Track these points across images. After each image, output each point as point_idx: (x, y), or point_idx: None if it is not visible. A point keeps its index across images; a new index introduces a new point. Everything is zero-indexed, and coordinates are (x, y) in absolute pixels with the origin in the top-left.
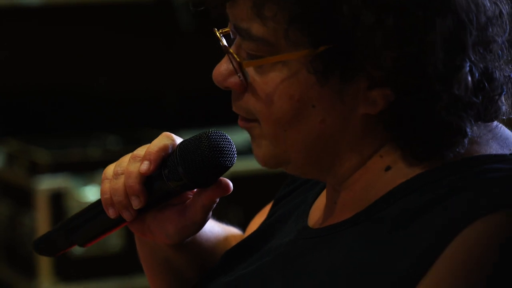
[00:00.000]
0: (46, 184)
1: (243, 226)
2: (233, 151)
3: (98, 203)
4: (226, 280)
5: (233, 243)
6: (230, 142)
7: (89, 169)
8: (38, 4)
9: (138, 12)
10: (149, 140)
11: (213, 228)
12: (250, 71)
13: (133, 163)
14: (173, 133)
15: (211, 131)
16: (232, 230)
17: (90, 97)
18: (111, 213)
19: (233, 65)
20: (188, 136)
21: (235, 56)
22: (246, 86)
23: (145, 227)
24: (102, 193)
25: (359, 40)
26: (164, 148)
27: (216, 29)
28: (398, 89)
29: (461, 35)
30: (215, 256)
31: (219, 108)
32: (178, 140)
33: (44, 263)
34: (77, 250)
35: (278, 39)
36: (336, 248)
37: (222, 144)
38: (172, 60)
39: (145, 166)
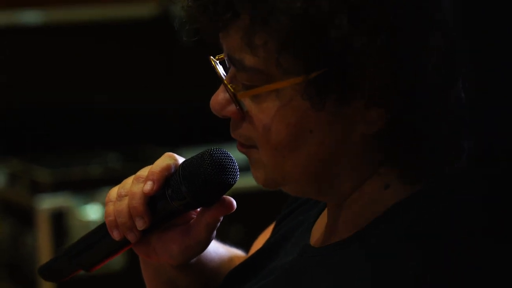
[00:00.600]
0: (48, 203)
1: (244, 244)
2: (236, 168)
3: (102, 226)
4: None
5: (237, 263)
6: (232, 159)
7: (91, 187)
8: (38, 22)
9: (139, 29)
10: (151, 158)
11: (218, 249)
12: (246, 100)
13: (136, 184)
14: (174, 149)
15: (213, 149)
16: (236, 252)
17: (91, 114)
18: (115, 235)
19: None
20: (190, 152)
21: (229, 87)
22: (243, 115)
23: (150, 249)
24: (106, 215)
25: (351, 63)
26: (167, 168)
27: (212, 57)
28: (394, 107)
29: (451, 51)
30: (219, 277)
31: (220, 124)
32: (181, 159)
33: (47, 282)
34: None
35: (271, 67)
36: (335, 268)
37: (224, 161)
38: (173, 76)
39: (148, 186)
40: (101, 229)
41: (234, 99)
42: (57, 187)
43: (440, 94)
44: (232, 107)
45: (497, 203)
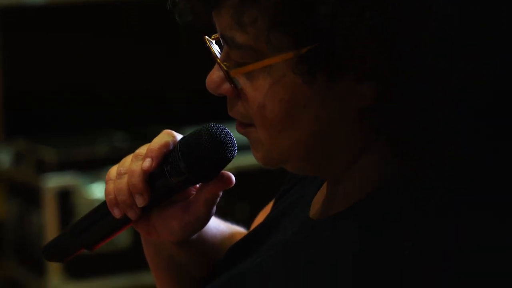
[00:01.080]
0: (54, 182)
1: (250, 222)
2: (234, 143)
3: (103, 205)
4: (230, 274)
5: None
6: (230, 135)
7: (96, 167)
8: (42, 3)
9: (144, 11)
10: (156, 136)
11: (219, 225)
12: (240, 78)
13: (135, 162)
14: (179, 129)
15: (211, 125)
16: (237, 228)
17: (96, 95)
18: (116, 213)
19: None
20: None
21: (222, 65)
22: (238, 92)
23: (150, 226)
24: (106, 193)
25: (341, 39)
26: (166, 145)
27: (206, 37)
28: (386, 81)
29: (446, 42)
30: (220, 253)
31: (224, 104)
32: (179, 136)
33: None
34: None
35: (262, 44)
36: (329, 243)
37: (222, 137)
38: (177, 57)
39: (147, 163)
40: (102, 207)
41: (228, 76)
42: (63, 166)
43: (432, 70)
44: (227, 85)
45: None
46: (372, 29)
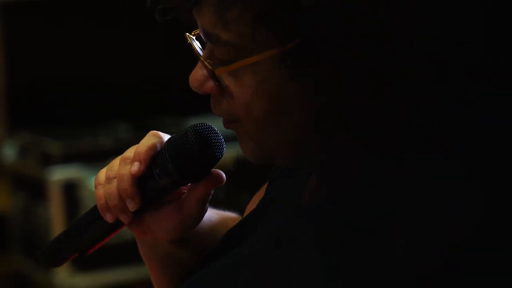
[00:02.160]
0: (59, 174)
1: None
2: (221, 141)
3: (95, 209)
4: (224, 262)
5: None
6: (217, 133)
7: (101, 158)
8: None
9: (145, 3)
10: (160, 127)
11: (211, 216)
12: (225, 75)
13: (123, 166)
14: (183, 120)
15: (197, 125)
16: (230, 215)
17: (100, 86)
18: (108, 217)
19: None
20: (198, 121)
21: (206, 63)
22: (223, 90)
23: (145, 227)
24: (97, 198)
25: (324, 31)
26: (153, 147)
27: (188, 34)
28: (368, 77)
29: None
30: (214, 243)
31: None
32: (166, 137)
33: None
34: None
35: (246, 41)
36: (323, 226)
37: (209, 136)
38: (178, 47)
39: (135, 167)
40: (94, 212)
41: (212, 75)
42: (68, 159)
43: (406, 67)
44: (211, 83)
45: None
46: (353, 18)
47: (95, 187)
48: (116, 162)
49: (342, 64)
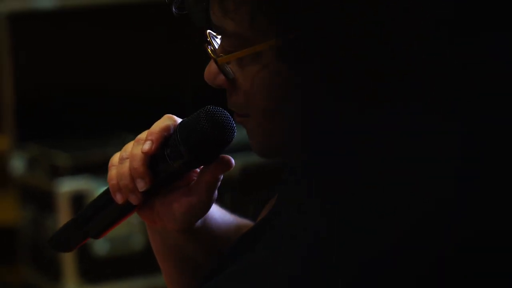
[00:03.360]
0: (68, 186)
1: None
2: (233, 125)
3: (106, 192)
4: (235, 267)
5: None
6: (229, 117)
7: None
8: (53, 7)
9: (152, 11)
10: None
11: (225, 216)
12: (232, 67)
13: (136, 146)
14: None
15: (210, 107)
16: (244, 221)
17: (108, 98)
18: (118, 198)
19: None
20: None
21: (210, 53)
22: (233, 82)
23: (154, 214)
24: (109, 179)
25: (324, 26)
26: (166, 128)
27: (209, 31)
28: (366, 73)
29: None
30: (226, 243)
31: None
32: (180, 120)
33: (69, 264)
34: (100, 250)
35: (247, 31)
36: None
37: (221, 119)
38: (190, 61)
39: (147, 146)
40: (105, 195)
41: (216, 65)
42: (76, 171)
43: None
44: (222, 76)
45: None
46: (351, 13)
47: (109, 168)
48: (130, 144)
49: (340, 58)
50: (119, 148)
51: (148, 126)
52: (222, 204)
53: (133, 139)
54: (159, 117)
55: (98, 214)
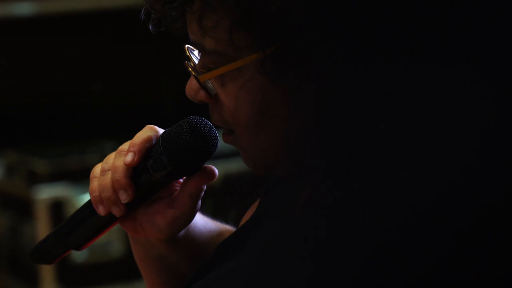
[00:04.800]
0: (46, 193)
1: None
2: (215, 136)
3: (88, 204)
4: (217, 273)
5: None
6: (211, 127)
7: (88, 177)
8: (31, 13)
9: (130, 18)
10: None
11: (207, 223)
12: (213, 83)
13: (118, 158)
14: None
15: (192, 117)
16: (226, 227)
17: (86, 104)
18: (101, 210)
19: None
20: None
21: (191, 71)
22: (215, 98)
23: (137, 224)
24: (91, 191)
25: (301, 37)
26: (148, 140)
27: (187, 46)
28: (349, 79)
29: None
30: (209, 251)
31: None
32: (162, 131)
33: (47, 271)
34: (79, 257)
35: (227, 48)
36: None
37: (203, 129)
38: (167, 64)
39: (129, 157)
40: (87, 207)
41: (198, 82)
42: (54, 177)
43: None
44: (203, 92)
45: None
46: (324, 21)
47: (90, 180)
48: (112, 155)
49: (321, 67)
50: (97, 155)
51: (126, 133)
52: (204, 211)
53: (110, 146)
54: (137, 124)
55: (80, 226)
